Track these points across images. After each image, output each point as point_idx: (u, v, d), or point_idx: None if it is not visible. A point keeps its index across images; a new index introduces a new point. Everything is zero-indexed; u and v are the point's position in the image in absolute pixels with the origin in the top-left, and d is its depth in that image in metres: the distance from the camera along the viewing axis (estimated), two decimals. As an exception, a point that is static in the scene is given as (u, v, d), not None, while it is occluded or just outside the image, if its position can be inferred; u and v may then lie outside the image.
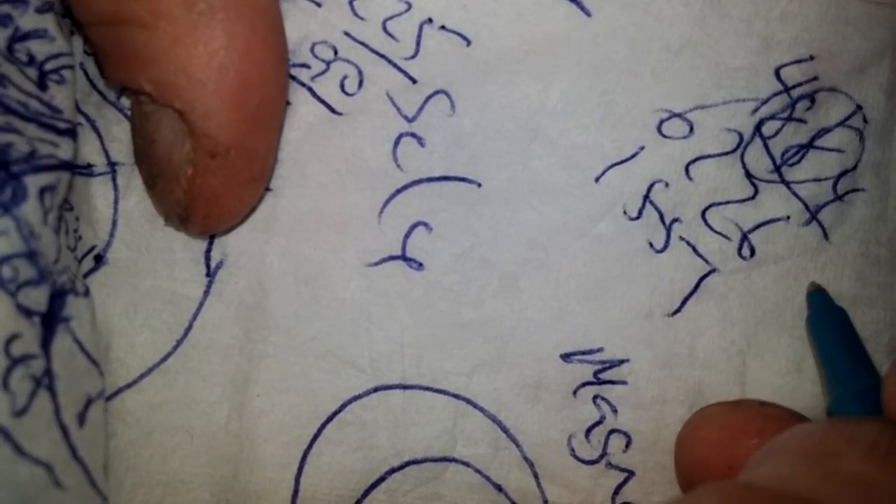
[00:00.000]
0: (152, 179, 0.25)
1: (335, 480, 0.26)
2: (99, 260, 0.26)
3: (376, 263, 0.26)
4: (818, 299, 0.26)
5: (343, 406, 0.26)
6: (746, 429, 0.23)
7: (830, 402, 0.23)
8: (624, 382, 0.26)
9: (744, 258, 0.27)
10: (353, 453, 0.26)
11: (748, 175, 0.27)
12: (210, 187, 0.24)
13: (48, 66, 0.24)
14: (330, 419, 0.26)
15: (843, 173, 0.27)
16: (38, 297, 0.22)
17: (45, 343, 0.22)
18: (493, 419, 0.26)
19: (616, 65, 0.26)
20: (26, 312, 0.21)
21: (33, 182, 0.22)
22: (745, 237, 0.27)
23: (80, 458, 0.23)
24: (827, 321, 0.25)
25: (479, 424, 0.26)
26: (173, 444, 0.26)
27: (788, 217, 0.27)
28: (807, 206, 0.27)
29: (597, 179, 0.26)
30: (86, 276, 0.26)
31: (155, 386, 0.26)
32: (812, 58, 0.26)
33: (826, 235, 0.27)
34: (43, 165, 0.23)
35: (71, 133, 0.24)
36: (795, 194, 0.27)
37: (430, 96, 0.26)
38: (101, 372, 0.25)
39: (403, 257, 0.26)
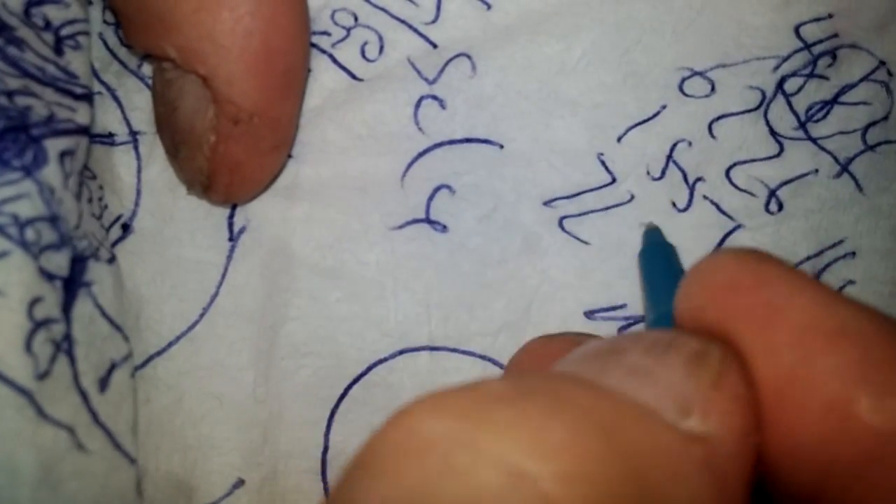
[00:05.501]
0: (175, 148, 0.25)
1: (363, 437, 0.26)
2: (126, 229, 0.26)
3: (400, 227, 0.26)
4: (651, 235, 0.26)
5: (369, 369, 0.26)
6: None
7: (647, 325, 0.23)
8: None
9: (771, 213, 0.26)
10: (379, 412, 0.26)
11: (772, 133, 0.26)
12: (233, 155, 0.24)
13: (64, 32, 0.24)
14: (355, 381, 0.26)
15: (872, 124, 0.26)
16: (59, 262, 0.22)
17: (66, 307, 0.22)
18: None
19: (638, 23, 0.26)
20: (48, 276, 0.21)
21: (53, 146, 0.22)
22: (772, 194, 0.26)
23: (101, 422, 0.23)
24: (655, 253, 0.25)
25: None
26: (203, 411, 0.26)
27: (817, 170, 0.26)
28: (836, 159, 0.26)
29: (619, 139, 0.26)
30: (114, 244, 0.26)
31: (184, 353, 0.26)
32: (831, 16, 0.26)
33: (860, 187, 0.26)
34: (62, 129, 0.23)
35: (87, 98, 0.24)
36: (823, 148, 0.26)
37: (450, 59, 0.26)
38: (125, 337, 0.25)
39: (427, 220, 0.26)
